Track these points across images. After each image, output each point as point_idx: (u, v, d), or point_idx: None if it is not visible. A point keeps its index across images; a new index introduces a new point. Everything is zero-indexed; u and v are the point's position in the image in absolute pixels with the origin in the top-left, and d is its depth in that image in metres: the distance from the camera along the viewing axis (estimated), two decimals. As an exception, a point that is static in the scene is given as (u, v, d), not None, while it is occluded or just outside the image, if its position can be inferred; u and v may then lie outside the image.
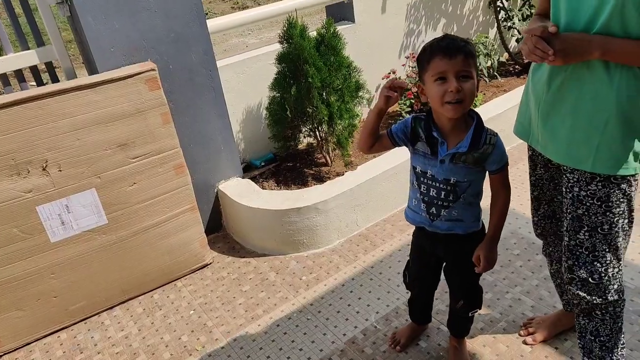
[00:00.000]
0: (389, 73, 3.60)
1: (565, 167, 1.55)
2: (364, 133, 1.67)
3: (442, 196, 1.62)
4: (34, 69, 2.48)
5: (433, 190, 1.63)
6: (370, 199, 2.85)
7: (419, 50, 1.54)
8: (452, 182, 1.58)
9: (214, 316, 2.42)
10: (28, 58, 2.39)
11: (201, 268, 2.75)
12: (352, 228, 2.85)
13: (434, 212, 1.65)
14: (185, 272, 2.70)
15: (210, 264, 2.77)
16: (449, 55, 1.42)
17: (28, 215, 2.23)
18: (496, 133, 1.58)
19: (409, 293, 2.06)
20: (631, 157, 1.43)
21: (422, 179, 1.64)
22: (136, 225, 2.48)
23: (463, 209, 1.63)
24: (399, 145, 1.67)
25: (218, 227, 3.03)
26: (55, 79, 2.51)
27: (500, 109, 3.37)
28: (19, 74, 2.45)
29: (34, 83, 2.59)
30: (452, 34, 1.59)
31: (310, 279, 2.58)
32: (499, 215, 1.64)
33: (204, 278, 2.69)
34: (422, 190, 1.65)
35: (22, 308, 2.32)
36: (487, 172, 1.62)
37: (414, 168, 1.67)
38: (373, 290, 2.45)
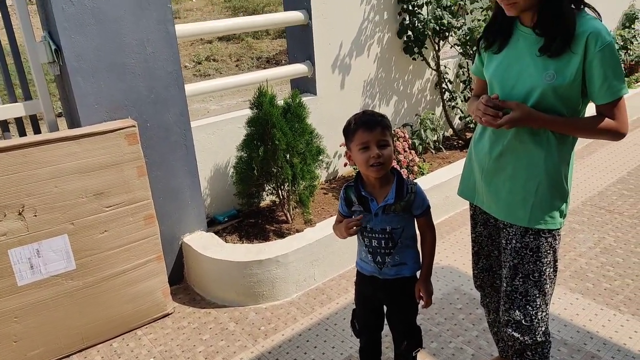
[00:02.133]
0: (346, 141, 3.93)
1: (504, 223, 1.84)
2: (338, 237, 1.95)
3: (383, 244, 1.87)
4: (18, 119, 2.63)
5: (374, 241, 1.88)
6: (327, 255, 3.06)
7: (345, 124, 1.84)
8: (388, 230, 1.85)
9: (175, 363, 2.50)
10: (15, 110, 2.54)
11: (162, 317, 2.83)
12: (310, 282, 3.04)
13: (380, 260, 1.90)
14: (146, 320, 2.77)
15: (171, 313, 2.86)
16: (369, 128, 1.75)
17: (-1, 257, 2.31)
18: (416, 182, 1.89)
19: (359, 343, 2.23)
20: (557, 214, 1.76)
21: (364, 233, 1.91)
22: (104, 271, 2.58)
23: (403, 253, 1.89)
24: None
25: (180, 279, 3.14)
26: (37, 130, 2.66)
27: (445, 178, 3.73)
28: (3, 123, 2.59)
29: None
30: (371, 109, 1.93)
31: (269, 329, 2.71)
32: (430, 252, 1.93)
33: (165, 327, 2.77)
34: (366, 242, 1.91)
35: (-19, 351, 2.33)
36: (414, 216, 1.89)
37: None
38: (328, 339, 2.61)
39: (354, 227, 1.83)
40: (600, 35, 1.57)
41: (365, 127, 1.75)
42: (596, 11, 1.69)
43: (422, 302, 1.94)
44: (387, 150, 1.76)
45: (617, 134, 1.68)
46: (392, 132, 1.87)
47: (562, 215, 1.79)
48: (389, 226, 1.84)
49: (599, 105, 1.66)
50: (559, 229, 1.79)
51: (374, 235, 1.87)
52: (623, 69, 1.66)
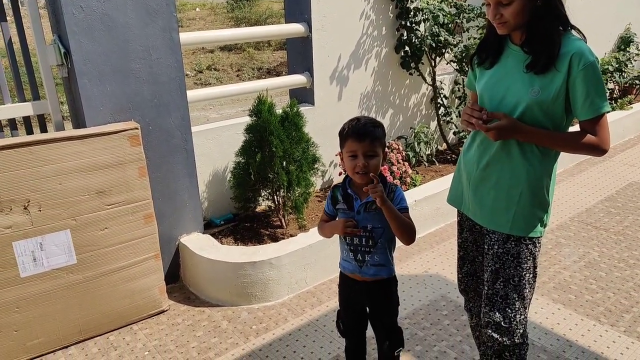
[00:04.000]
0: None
1: (488, 230, 1.95)
2: (324, 234, 2.06)
3: (363, 242, 1.96)
4: (26, 118, 2.74)
5: (356, 239, 1.98)
6: (319, 260, 3.16)
7: (341, 127, 1.92)
8: (369, 228, 1.94)
9: (168, 357, 2.58)
10: (24, 109, 2.66)
11: (157, 314, 2.92)
12: (301, 285, 3.13)
13: (360, 258, 1.99)
14: (142, 316, 2.86)
15: (166, 310, 2.95)
16: (358, 139, 1.84)
17: (3, 249, 2.40)
18: (397, 185, 1.98)
19: (345, 343, 2.32)
20: (538, 223, 1.87)
21: None
22: (103, 267, 2.67)
23: (382, 254, 1.97)
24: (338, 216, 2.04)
25: (175, 278, 3.23)
26: (44, 129, 2.76)
27: (436, 190, 3.83)
28: (12, 121, 2.70)
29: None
30: (368, 116, 1.97)
31: (260, 328, 2.80)
32: (406, 220, 1.90)
33: (160, 323, 2.86)
34: (347, 241, 2.00)
35: (-18, 339, 2.42)
36: None
37: None
38: (317, 339, 2.70)
39: (351, 229, 1.91)
40: (583, 54, 1.69)
41: (355, 137, 1.85)
42: (581, 32, 1.81)
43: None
44: (374, 161, 1.85)
45: (598, 150, 1.78)
46: (385, 141, 1.95)
47: (543, 224, 1.90)
48: (370, 224, 1.94)
49: (582, 121, 1.77)
50: (539, 237, 1.89)
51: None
52: (605, 87, 1.77)
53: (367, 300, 2.08)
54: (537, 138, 1.80)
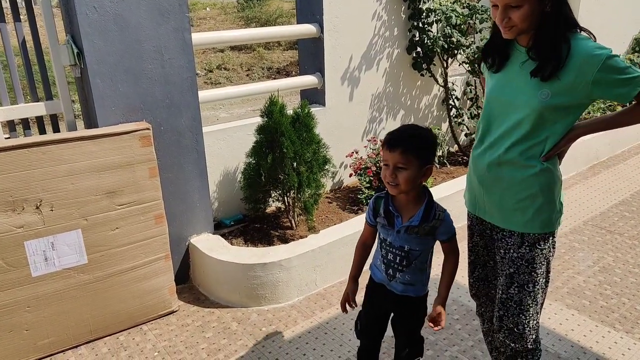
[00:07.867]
0: (352, 152, 4.04)
1: (501, 234, 1.92)
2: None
3: (398, 261, 1.92)
4: (38, 117, 2.74)
5: (391, 255, 1.94)
6: (329, 262, 3.14)
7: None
8: (406, 249, 1.90)
9: (177, 358, 2.57)
10: (37, 109, 2.66)
11: (167, 314, 2.91)
12: (311, 287, 3.11)
13: (391, 273, 1.96)
14: (152, 317, 2.86)
15: (176, 311, 2.95)
16: (389, 148, 1.79)
17: (15, 249, 2.41)
18: (444, 209, 1.92)
19: (359, 344, 2.30)
20: (554, 218, 1.85)
21: (383, 244, 1.96)
22: (113, 267, 2.67)
23: (414, 274, 1.93)
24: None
25: (185, 278, 3.23)
26: (56, 129, 2.77)
27: (447, 192, 3.80)
28: (24, 120, 2.71)
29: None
30: (413, 124, 1.95)
31: (270, 330, 2.79)
32: (449, 275, 1.97)
33: (169, 324, 2.85)
34: (382, 253, 1.97)
35: (-7, 338, 2.42)
36: (439, 241, 1.94)
37: (378, 235, 2.01)
38: (327, 342, 2.68)
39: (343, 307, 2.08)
40: (592, 57, 1.63)
41: (388, 146, 1.79)
42: (590, 33, 1.76)
43: (435, 327, 1.91)
44: (404, 174, 1.77)
45: None
46: (426, 153, 1.83)
47: (558, 220, 1.87)
48: (408, 245, 1.89)
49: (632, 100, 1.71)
50: (553, 232, 1.87)
51: (391, 249, 1.93)
52: (630, 66, 1.68)
53: (393, 307, 2.05)
54: (596, 127, 1.82)
